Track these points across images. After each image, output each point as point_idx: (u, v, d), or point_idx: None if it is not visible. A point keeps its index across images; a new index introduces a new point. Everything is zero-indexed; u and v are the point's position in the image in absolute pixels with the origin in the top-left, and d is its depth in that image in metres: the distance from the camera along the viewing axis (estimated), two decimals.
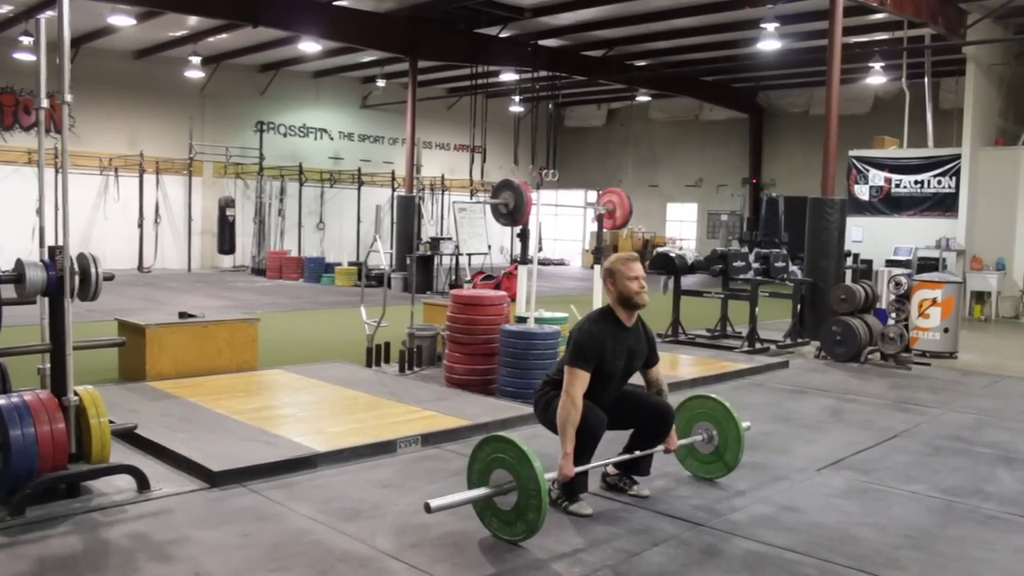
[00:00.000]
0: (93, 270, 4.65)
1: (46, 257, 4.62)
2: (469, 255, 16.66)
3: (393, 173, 24.82)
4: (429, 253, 17.36)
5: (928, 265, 15.11)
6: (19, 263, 4.54)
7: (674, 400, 5.23)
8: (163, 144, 21.90)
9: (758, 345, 10.58)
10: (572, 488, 4.61)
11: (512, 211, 8.58)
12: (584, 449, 4.56)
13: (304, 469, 5.19)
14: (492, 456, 4.24)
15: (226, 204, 21.87)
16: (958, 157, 16.11)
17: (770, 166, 26.44)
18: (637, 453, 4.94)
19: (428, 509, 3.96)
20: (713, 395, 5.47)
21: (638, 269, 4.73)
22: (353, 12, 17.14)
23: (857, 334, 9.93)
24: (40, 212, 4.80)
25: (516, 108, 25.27)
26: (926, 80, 17.15)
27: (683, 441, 5.19)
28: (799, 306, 11.40)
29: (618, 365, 4.72)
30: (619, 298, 4.72)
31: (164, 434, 5.59)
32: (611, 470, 5.05)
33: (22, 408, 4.39)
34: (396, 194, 22.37)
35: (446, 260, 17.92)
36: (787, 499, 4.97)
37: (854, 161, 17.49)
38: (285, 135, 24.56)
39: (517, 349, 7.19)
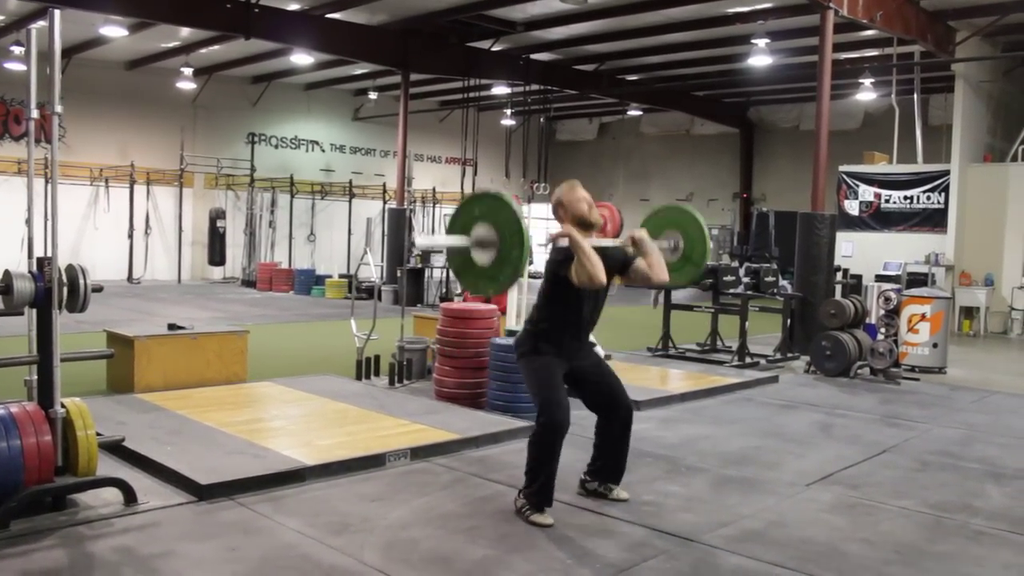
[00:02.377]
0: (81, 281, 4.64)
1: (34, 268, 4.60)
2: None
3: (384, 185, 24.82)
4: (420, 266, 17.34)
5: (917, 280, 15.18)
6: (7, 274, 4.51)
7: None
8: (154, 155, 21.86)
9: (748, 359, 10.59)
10: (538, 499, 4.65)
11: None
12: (549, 456, 4.62)
13: (293, 482, 5.16)
14: (473, 214, 4.40)
15: (217, 215, 21.83)
16: (947, 173, 16.20)
17: (760, 181, 26.55)
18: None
19: (412, 244, 4.09)
20: (677, 205, 5.62)
21: (582, 192, 4.85)
22: (345, 25, 17.17)
23: (847, 349, 9.96)
24: (29, 223, 4.79)
25: (508, 121, 25.31)
26: (915, 96, 17.26)
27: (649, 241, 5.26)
28: (789, 321, 11.42)
29: (583, 294, 4.75)
30: (575, 221, 4.78)
31: (152, 447, 5.56)
32: (588, 477, 5.11)
33: (8, 420, 4.36)
34: (387, 207, 22.37)
35: (437, 273, 17.90)
36: (776, 514, 4.96)
37: (844, 176, 17.57)
38: (276, 147, 24.55)
39: (507, 363, 7.17)
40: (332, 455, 5.59)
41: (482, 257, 4.32)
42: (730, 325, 11.44)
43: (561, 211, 4.84)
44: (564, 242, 4.62)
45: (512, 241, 4.19)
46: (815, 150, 11.94)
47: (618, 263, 4.91)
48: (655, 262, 4.85)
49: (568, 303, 4.77)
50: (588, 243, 4.57)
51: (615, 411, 4.97)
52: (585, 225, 4.79)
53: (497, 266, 4.27)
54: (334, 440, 6.15)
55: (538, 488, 4.66)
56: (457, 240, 4.40)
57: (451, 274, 16.94)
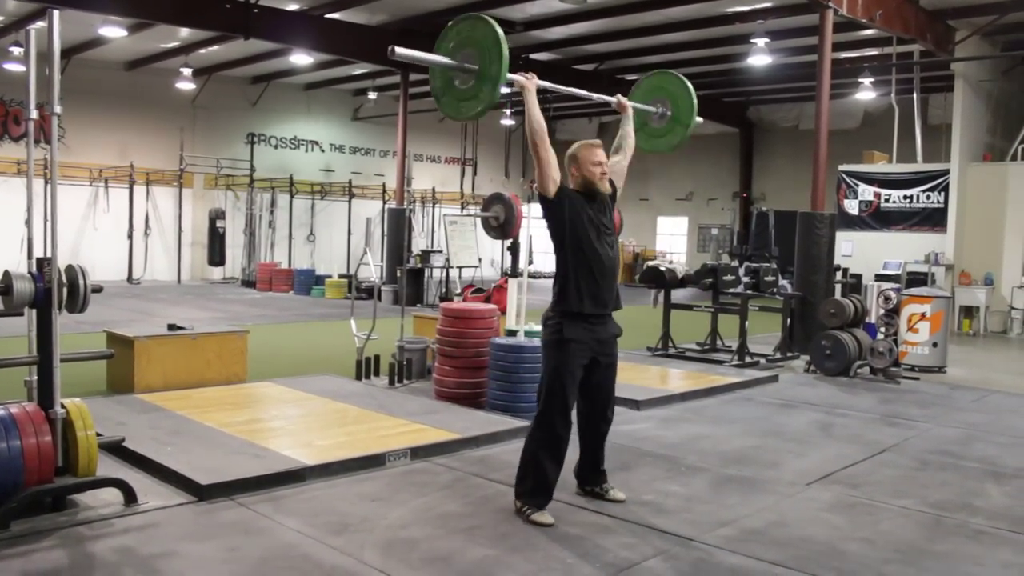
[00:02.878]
0: (81, 282, 4.64)
1: (34, 269, 4.60)
2: (460, 268, 16.65)
3: (384, 186, 24.82)
4: (419, 266, 17.35)
5: (917, 280, 15.19)
6: (7, 275, 4.51)
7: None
8: (153, 155, 21.86)
9: (748, 359, 10.60)
10: (533, 497, 4.66)
11: (503, 224, 8.60)
12: (553, 458, 4.63)
13: (293, 482, 5.16)
14: (458, 39, 4.57)
15: (216, 216, 21.83)
16: (947, 172, 16.20)
17: (760, 180, 26.55)
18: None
19: (392, 52, 4.31)
20: (667, 71, 5.91)
21: (601, 155, 4.86)
22: (345, 25, 17.17)
23: (846, 348, 9.96)
24: (28, 223, 4.79)
25: (507, 121, 25.32)
26: (915, 96, 17.26)
27: (636, 104, 5.53)
28: (789, 320, 11.43)
29: (592, 237, 4.73)
30: (583, 183, 4.81)
31: (152, 447, 5.56)
32: (577, 480, 5.14)
33: (8, 420, 4.36)
34: (387, 207, 22.37)
35: (436, 273, 17.90)
36: (776, 513, 4.97)
37: (844, 176, 17.57)
38: (276, 147, 24.56)
39: (507, 362, 7.18)
40: (332, 455, 5.59)
41: (463, 79, 4.50)
42: (730, 325, 11.44)
43: (573, 167, 4.84)
44: (520, 81, 4.71)
45: (491, 55, 4.34)
46: (815, 149, 11.94)
47: (612, 197, 4.98)
48: (628, 132, 5.27)
49: (581, 257, 4.69)
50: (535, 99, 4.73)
51: (600, 422, 4.98)
52: (590, 193, 4.79)
53: (477, 85, 4.40)
54: (334, 440, 6.15)
55: (532, 487, 4.67)
56: (442, 59, 4.57)
57: (450, 274, 17.01)
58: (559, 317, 4.76)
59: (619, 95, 5.40)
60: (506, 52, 4.38)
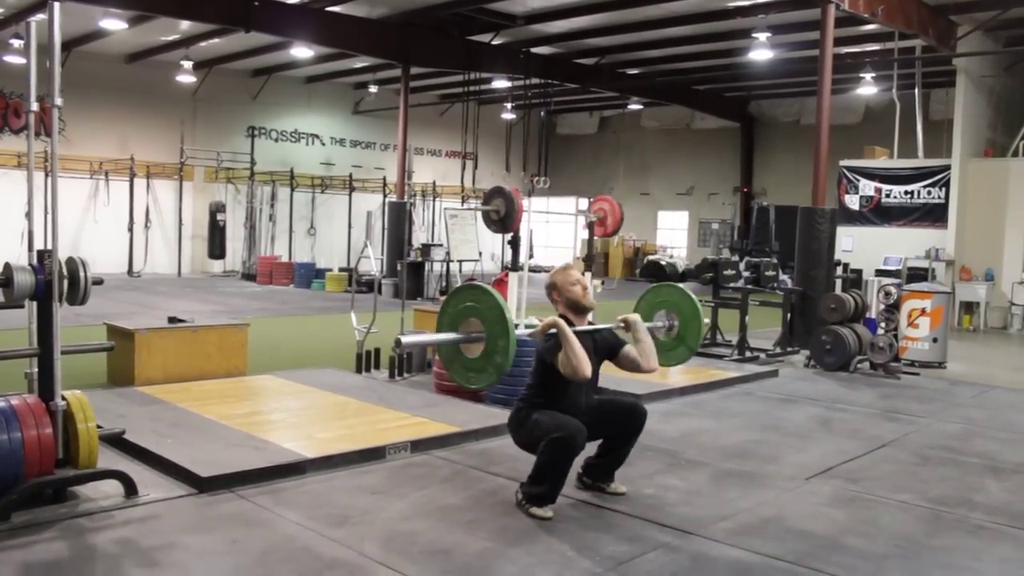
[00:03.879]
0: (82, 274, 4.64)
1: (35, 261, 4.59)
2: (460, 262, 16.66)
3: (384, 179, 24.80)
4: (420, 259, 17.35)
5: (917, 275, 15.18)
6: (7, 267, 4.51)
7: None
8: (154, 148, 21.84)
9: (748, 354, 10.60)
10: (546, 500, 4.64)
11: (503, 218, 8.57)
12: (563, 462, 4.58)
13: (293, 475, 5.17)
14: (462, 306, 4.45)
15: (217, 209, 21.81)
16: (948, 168, 16.19)
17: (761, 175, 26.53)
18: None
19: (398, 343, 4.32)
20: (674, 284, 5.67)
21: (576, 275, 4.89)
22: (346, 18, 17.14)
23: (847, 343, 9.96)
24: (29, 216, 4.78)
25: (508, 115, 25.29)
26: (917, 91, 17.23)
27: (643, 325, 5.28)
28: (789, 315, 11.42)
29: (575, 387, 4.73)
30: (568, 305, 4.82)
31: (152, 439, 5.57)
32: (583, 471, 5.13)
33: (9, 412, 4.37)
34: (387, 200, 22.36)
35: (437, 267, 17.90)
36: (776, 508, 4.97)
37: (845, 171, 17.56)
38: (277, 140, 24.54)
39: None
40: (332, 448, 5.60)
41: (470, 350, 4.42)
42: (730, 319, 11.44)
43: (555, 294, 4.86)
44: (553, 331, 4.58)
45: (497, 331, 4.25)
46: (816, 144, 11.93)
47: (608, 347, 4.93)
48: (646, 349, 4.89)
49: (561, 388, 4.71)
50: (581, 328, 4.67)
51: (632, 420, 4.96)
52: (579, 309, 4.81)
53: (485, 358, 4.34)
54: (334, 433, 6.16)
55: (544, 491, 4.63)
56: (445, 337, 4.47)
57: (450, 267, 17.02)
58: (528, 408, 4.78)
59: (627, 315, 5.06)
60: (512, 328, 4.25)
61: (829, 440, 6.75)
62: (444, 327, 4.53)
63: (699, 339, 5.44)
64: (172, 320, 8.31)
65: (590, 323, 4.92)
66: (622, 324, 4.98)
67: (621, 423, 4.95)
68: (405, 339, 4.22)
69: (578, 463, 5.11)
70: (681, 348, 5.40)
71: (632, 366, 4.94)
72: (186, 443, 5.58)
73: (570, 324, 4.68)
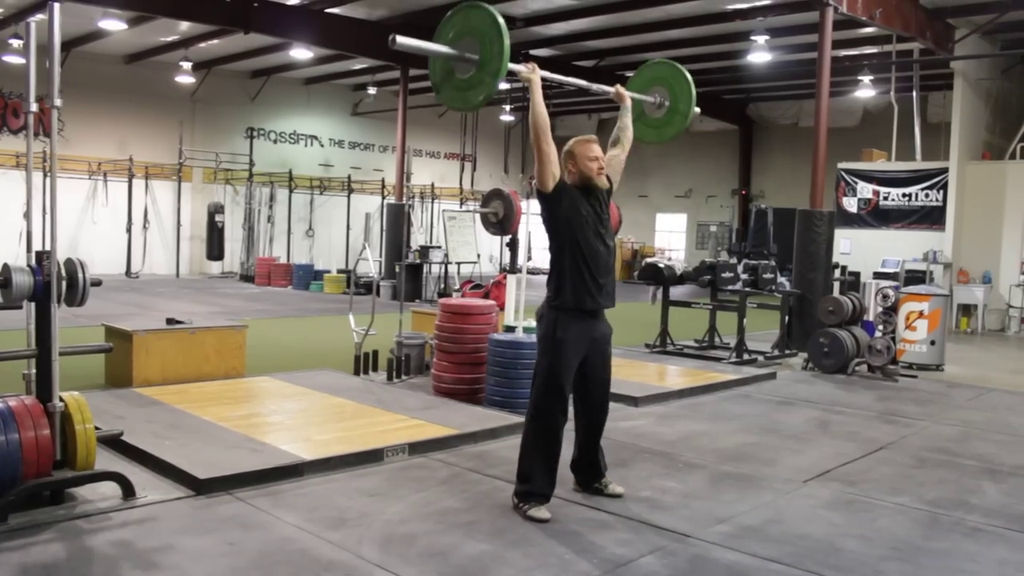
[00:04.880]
0: (80, 275, 4.64)
1: (33, 262, 4.59)
2: (458, 264, 16.65)
3: (383, 181, 24.80)
4: (418, 261, 17.35)
5: (915, 278, 15.18)
6: (6, 268, 4.51)
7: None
8: (153, 149, 21.84)
9: (746, 356, 10.61)
10: (532, 496, 4.67)
11: (502, 220, 8.60)
12: (546, 449, 4.65)
13: (291, 477, 5.17)
14: (461, 25, 4.63)
15: (215, 210, 21.82)
16: (945, 171, 16.21)
17: (759, 178, 26.55)
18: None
19: (393, 41, 4.34)
20: (663, 60, 5.93)
21: (597, 150, 4.84)
22: (345, 19, 17.15)
23: (844, 346, 9.97)
24: (28, 216, 4.78)
25: (507, 117, 25.31)
26: (914, 94, 17.26)
27: (633, 95, 5.54)
28: (787, 317, 11.43)
29: (589, 233, 4.72)
30: (580, 179, 4.80)
31: (150, 441, 5.56)
32: (576, 475, 5.15)
33: (6, 413, 4.37)
34: (386, 202, 22.37)
35: (435, 269, 17.91)
36: (773, 510, 4.98)
37: (843, 173, 17.57)
38: (275, 141, 24.55)
39: (505, 358, 7.18)
40: (330, 450, 5.60)
41: (463, 69, 4.54)
42: (728, 322, 11.45)
43: (570, 163, 4.81)
44: (524, 71, 4.67)
45: (492, 43, 4.41)
46: (814, 147, 11.93)
47: (606, 193, 4.93)
48: (625, 123, 5.24)
49: (576, 250, 4.69)
50: (541, 95, 4.70)
51: (598, 412, 5.00)
52: (587, 188, 4.78)
53: (478, 74, 4.47)
54: (332, 435, 6.16)
55: (533, 486, 4.67)
56: (442, 48, 4.60)
57: (449, 269, 17.01)
58: (554, 313, 4.77)
59: (618, 85, 5.40)
60: (507, 40, 4.38)
61: (827, 443, 6.76)
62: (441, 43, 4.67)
63: (691, 105, 5.62)
64: (170, 321, 8.30)
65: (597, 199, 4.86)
66: (614, 93, 5.28)
67: (592, 402, 4.96)
68: (400, 39, 4.30)
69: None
70: (676, 117, 5.65)
71: (626, 134, 5.24)
72: (184, 445, 5.58)
73: (579, 195, 4.75)
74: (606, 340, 4.94)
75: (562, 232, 4.71)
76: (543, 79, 4.84)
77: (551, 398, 4.67)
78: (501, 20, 4.44)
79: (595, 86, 5.58)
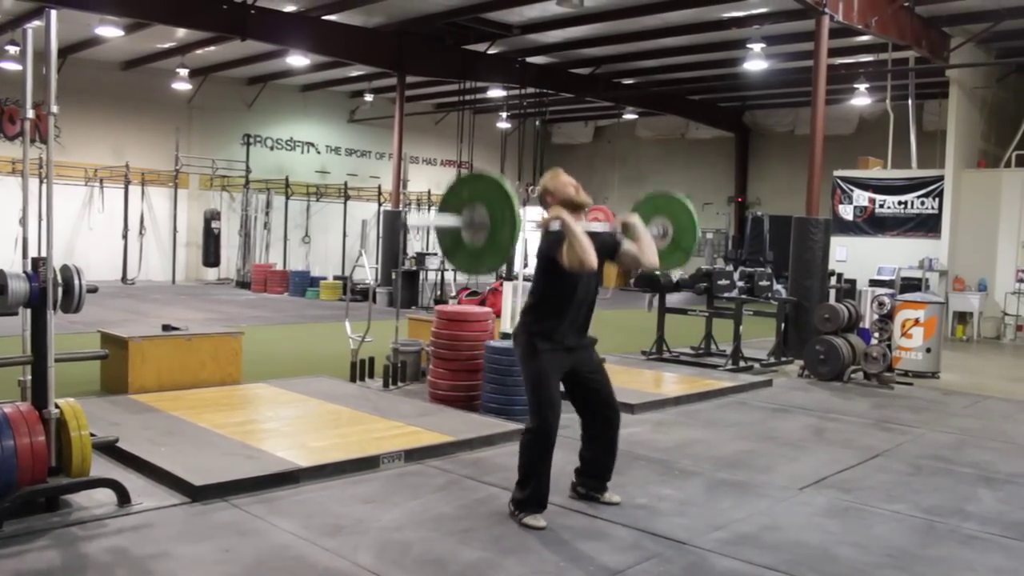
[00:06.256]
0: (76, 282, 4.64)
1: (29, 268, 4.59)
2: (455, 271, 16.64)
3: (380, 188, 24.82)
4: (414, 268, 17.34)
5: (911, 285, 15.21)
6: (1, 274, 4.51)
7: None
8: (149, 155, 21.83)
9: (742, 363, 10.61)
10: (531, 504, 4.67)
11: None
12: (541, 462, 4.65)
13: (287, 484, 5.16)
14: (463, 195, 4.54)
15: (212, 216, 21.81)
16: (941, 178, 16.25)
17: (755, 185, 26.60)
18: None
19: (406, 225, 4.23)
20: (666, 192, 5.74)
21: (566, 177, 4.88)
22: (342, 27, 17.17)
23: (840, 353, 9.98)
24: (23, 223, 4.78)
25: (503, 124, 25.32)
26: (910, 102, 17.31)
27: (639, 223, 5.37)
28: (783, 325, 11.44)
29: (576, 278, 4.73)
30: (563, 204, 4.78)
31: (146, 448, 5.55)
32: (578, 481, 5.13)
33: (1, 420, 4.36)
34: (382, 209, 22.36)
35: (431, 275, 17.90)
36: (769, 518, 4.98)
37: (839, 181, 17.61)
38: (272, 148, 24.54)
39: (501, 365, 7.18)
40: (326, 457, 5.59)
41: (473, 237, 4.45)
42: (724, 329, 11.45)
43: (549, 198, 4.84)
44: (556, 225, 4.59)
45: (503, 217, 4.29)
46: (810, 155, 11.97)
47: (608, 247, 4.91)
48: (645, 247, 4.90)
49: (562, 291, 4.73)
50: (579, 226, 4.57)
51: (605, 415, 4.99)
52: (574, 207, 4.78)
53: (488, 245, 4.38)
54: (328, 442, 6.15)
55: (530, 494, 4.67)
56: (448, 220, 4.52)
57: (445, 276, 17.00)
58: (526, 335, 4.81)
59: (624, 217, 5.12)
60: (519, 217, 4.31)
61: (823, 450, 6.76)
62: (448, 210, 4.60)
63: (694, 243, 5.51)
64: (166, 328, 8.30)
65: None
66: (621, 226, 5.02)
67: (595, 406, 4.96)
68: (412, 219, 4.31)
69: (572, 472, 5.14)
70: (677, 253, 5.50)
71: (632, 262, 5.01)
72: (179, 451, 5.57)
73: None
74: (586, 348, 4.98)
75: (551, 270, 4.72)
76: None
77: (543, 407, 4.66)
78: (507, 185, 4.40)
79: (596, 226, 5.26)
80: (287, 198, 23.46)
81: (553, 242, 4.64)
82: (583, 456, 5.09)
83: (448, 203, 4.58)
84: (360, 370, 8.73)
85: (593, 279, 4.83)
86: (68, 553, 4.07)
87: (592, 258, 4.50)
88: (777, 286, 11.94)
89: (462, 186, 4.65)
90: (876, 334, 10.18)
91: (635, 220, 4.95)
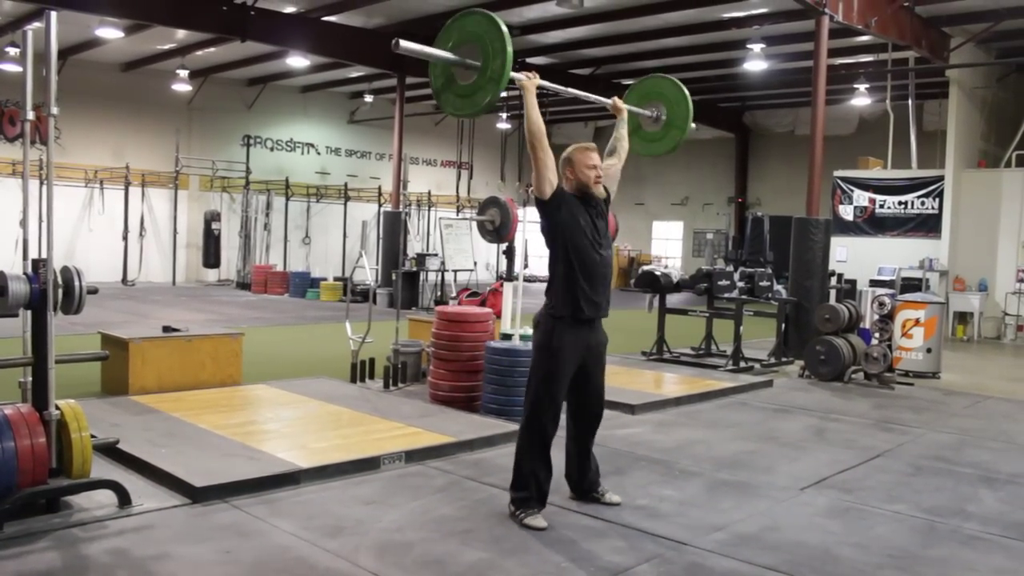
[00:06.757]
0: (77, 283, 4.64)
1: (29, 270, 4.59)
2: (455, 271, 16.65)
3: (380, 188, 24.83)
4: (415, 269, 17.35)
5: (911, 285, 15.22)
6: (2, 275, 4.50)
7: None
8: (149, 157, 21.85)
9: (742, 364, 10.61)
10: (534, 503, 4.67)
11: (498, 228, 8.60)
12: (538, 454, 4.67)
13: (287, 485, 5.16)
14: (463, 32, 4.66)
15: (212, 218, 21.82)
16: (941, 178, 16.26)
17: (756, 185, 26.61)
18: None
19: (396, 45, 4.37)
20: (660, 75, 5.97)
21: (595, 158, 4.84)
22: (341, 28, 17.19)
23: (841, 354, 9.98)
24: (24, 224, 4.78)
25: (503, 125, 25.34)
26: (910, 102, 17.32)
27: (630, 107, 5.60)
28: (783, 325, 11.44)
29: (586, 242, 4.72)
30: (577, 186, 4.79)
31: (146, 449, 5.55)
32: (571, 485, 5.13)
33: (2, 422, 4.36)
34: (382, 210, 22.37)
35: (432, 276, 17.90)
36: (770, 518, 4.97)
37: (839, 181, 17.62)
38: (272, 149, 24.55)
39: (502, 366, 7.19)
40: (327, 458, 5.59)
41: (464, 75, 4.57)
42: (725, 329, 11.45)
43: (568, 171, 4.81)
44: (521, 77, 4.72)
45: (494, 50, 4.43)
46: (810, 155, 11.97)
47: (603, 201, 4.93)
48: (622, 134, 5.28)
49: (575, 258, 4.69)
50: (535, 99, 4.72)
51: (593, 420, 5.00)
52: (584, 196, 4.79)
53: (479, 80, 4.50)
54: (329, 443, 6.15)
55: (527, 495, 4.68)
56: (444, 53, 4.62)
57: (445, 277, 17.01)
58: (550, 322, 4.77)
59: (615, 98, 5.43)
60: (510, 48, 4.40)
61: (823, 450, 6.76)
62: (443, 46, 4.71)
63: (688, 120, 5.66)
64: (166, 329, 8.30)
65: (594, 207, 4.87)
66: (611, 105, 5.33)
67: (587, 405, 4.97)
68: (404, 43, 4.36)
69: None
70: (673, 131, 5.73)
71: (621, 144, 5.29)
72: (180, 453, 5.56)
73: (577, 203, 4.75)
74: (602, 349, 4.94)
75: (559, 240, 4.72)
76: (541, 87, 4.86)
77: (545, 405, 4.68)
78: (504, 28, 4.47)
79: (592, 97, 5.59)
80: (287, 199, 23.48)
81: (547, 210, 4.70)
82: (569, 462, 5.08)
83: (443, 40, 4.73)
84: (360, 371, 8.73)
85: (603, 243, 4.81)
86: (69, 554, 4.07)
87: (538, 122, 4.61)
88: (777, 286, 11.94)
89: (451, 30, 4.77)
90: (876, 334, 10.18)
91: (620, 103, 5.35)
